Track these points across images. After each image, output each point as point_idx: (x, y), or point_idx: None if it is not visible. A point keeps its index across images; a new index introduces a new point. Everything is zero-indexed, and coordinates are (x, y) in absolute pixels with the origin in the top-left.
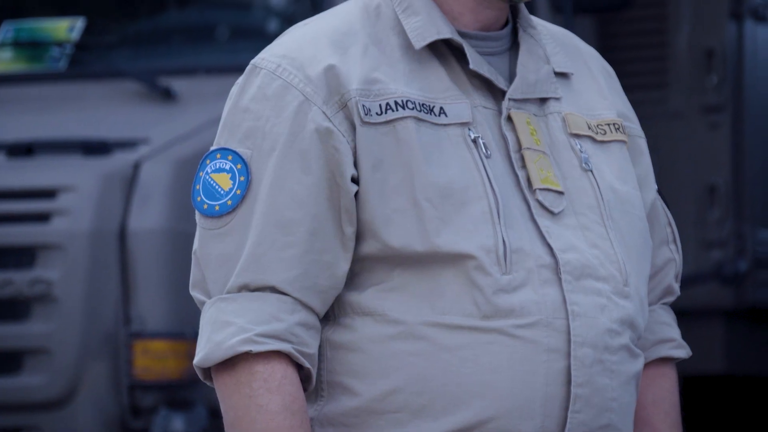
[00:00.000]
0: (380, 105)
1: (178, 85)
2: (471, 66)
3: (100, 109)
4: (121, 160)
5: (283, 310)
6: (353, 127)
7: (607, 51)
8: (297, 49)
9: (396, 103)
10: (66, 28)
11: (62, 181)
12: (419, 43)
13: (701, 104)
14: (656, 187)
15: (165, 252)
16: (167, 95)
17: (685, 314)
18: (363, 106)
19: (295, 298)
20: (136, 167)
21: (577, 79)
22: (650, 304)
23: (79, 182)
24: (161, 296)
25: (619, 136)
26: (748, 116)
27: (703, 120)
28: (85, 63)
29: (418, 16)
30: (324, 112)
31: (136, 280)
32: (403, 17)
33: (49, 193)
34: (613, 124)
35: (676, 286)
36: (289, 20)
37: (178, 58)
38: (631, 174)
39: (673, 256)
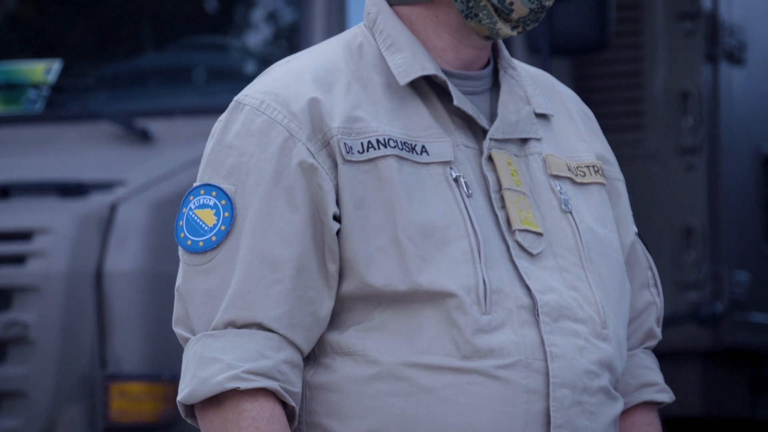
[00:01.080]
0: (362, 143)
1: (155, 126)
2: (455, 102)
3: (77, 151)
4: (97, 201)
5: (269, 347)
6: (335, 165)
7: (583, 93)
8: (281, 85)
9: (378, 141)
10: (43, 70)
11: (38, 223)
12: (403, 79)
13: (677, 146)
14: (635, 230)
15: (141, 294)
16: (144, 137)
17: (662, 356)
18: (345, 144)
19: (281, 336)
20: (113, 209)
21: (557, 120)
22: (632, 348)
23: (55, 224)
24: (137, 338)
25: (598, 179)
26: (724, 158)
27: (680, 162)
28: (61, 105)
29: (402, 53)
30: (308, 149)
31: (113, 322)
32: (387, 54)
33: (25, 235)
34: (593, 167)
35: (658, 330)
36: (266, 62)
37: (156, 100)
38: (609, 217)
39: (654, 299)
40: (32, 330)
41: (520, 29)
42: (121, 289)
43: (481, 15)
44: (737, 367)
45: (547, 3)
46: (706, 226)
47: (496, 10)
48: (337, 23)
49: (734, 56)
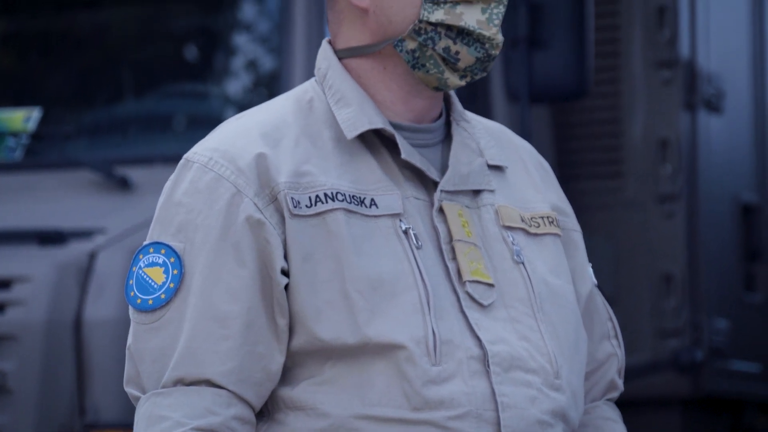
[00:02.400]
0: (310, 197)
1: (134, 174)
2: (403, 155)
3: (56, 198)
4: (76, 249)
5: (218, 403)
6: (283, 220)
7: (563, 140)
8: (228, 142)
9: (326, 195)
10: (22, 118)
11: (17, 271)
12: (351, 133)
13: (656, 193)
14: (595, 281)
15: (120, 342)
16: (124, 185)
17: (642, 403)
18: (292, 198)
19: (230, 392)
20: (92, 257)
21: (511, 172)
22: (594, 400)
23: (34, 272)
24: (116, 386)
25: (553, 230)
26: (703, 206)
27: (659, 209)
28: (41, 153)
29: (350, 108)
30: (255, 204)
31: (91, 370)
32: (336, 109)
33: (3, 284)
34: (547, 218)
35: (620, 382)
36: (245, 109)
37: (135, 148)
38: (564, 267)
39: (614, 350)
40: (11, 379)
41: (468, 78)
42: (100, 338)
43: (428, 65)
44: (717, 415)
45: (493, 52)
46: (686, 273)
47: (443, 59)
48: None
49: (712, 104)
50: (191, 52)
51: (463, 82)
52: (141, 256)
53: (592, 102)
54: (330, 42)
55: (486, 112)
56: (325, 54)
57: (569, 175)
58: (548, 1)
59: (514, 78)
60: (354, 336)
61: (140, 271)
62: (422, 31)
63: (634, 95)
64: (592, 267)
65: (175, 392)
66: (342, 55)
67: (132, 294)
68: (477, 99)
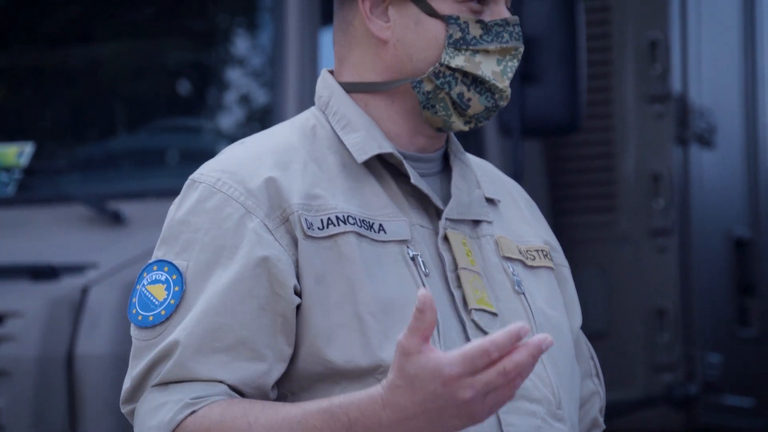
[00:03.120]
0: (322, 220)
1: (127, 209)
2: (412, 181)
3: (49, 233)
4: (69, 284)
5: (213, 387)
6: (295, 241)
7: (555, 174)
8: (236, 164)
9: (337, 218)
10: (15, 153)
11: (9, 306)
12: (361, 156)
13: (649, 228)
14: (581, 319)
15: (112, 377)
16: (116, 219)
17: None
18: (305, 220)
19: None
20: (84, 292)
21: (504, 206)
22: None
23: (26, 308)
24: (108, 422)
25: (547, 263)
26: (696, 240)
27: (651, 243)
28: (33, 188)
29: (358, 132)
30: (266, 225)
31: (83, 405)
32: (343, 134)
33: None
34: (541, 251)
35: (602, 420)
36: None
37: (128, 182)
38: (559, 300)
39: (597, 389)
40: (3, 414)
41: (472, 125)
42: (93, 373)
43: (438, 107)
44: None
45: (501, 103)
46: (679, 308)
47: (453, 104)
48: (310, 104)
49: (704, 139)
50: (184, 87)
51: (466, 128)
52: (145, 274)
53: (585, 136)
54: (330, 71)
55: (478, 146)
56: (326, 83)
57: (562, 209)
58: (540, 35)
59: (507, 112)
60: (367, 358)
61: (143, 289)
62: (441, 75)
63: (626, 129)
64: (585, 301)
65: (170, 386)
66: (350, 89)
67: (134, 311)
68: (469, 133)
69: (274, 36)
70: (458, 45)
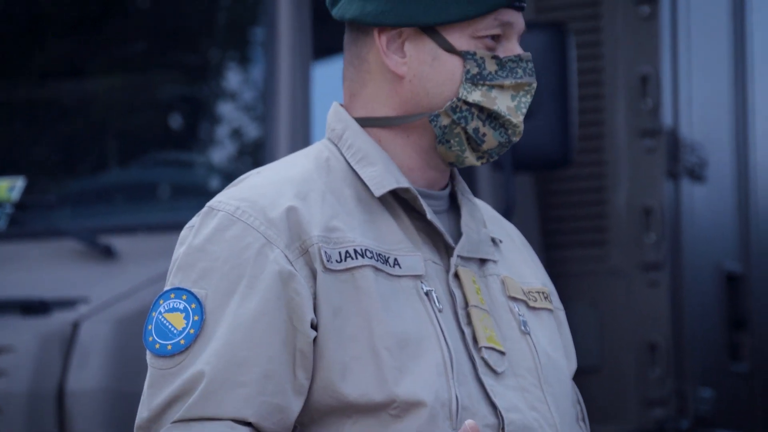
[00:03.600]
0: (340, 252)
1: (118, 243)
2: (428, 217)
3: (40, 268)
4: (60, 319)
5: (236, 428)
6: (313, 273)
7: (546, 209)
8: (256, 193)
9: (355, 251)
10: (6, 188)
11: (0, 341)
12: (379, 190)
13: (640, 262)
14: (576, 363)
15: (104, 413)
16: (108, 253)
17: None
18: (325, 252)
19: (251, 424)
20: (75, 327)
21: (505, 247)
22: None
23: (17, 343)
24: None
25: (547, 305)
26: (687, 274)
27: (643, 278)
28: (25, 223)
29: (375, 166)
30: (286, 256)
31: None
32: (359, 167)
33: None
34: (542, 293)
35: None
36: (230, 178)
37: (119, 217)
38: (559, 342)
39: None
40: None
41: (484, 160)
42: (84, 409)
43: (452, 141)
44: None
45: (514, 139)
46: (670, 342)
47: (468, 139)
48: (302, 140)
49: (695, 173)
50: (176, 121)
51: (479, 163)
52: (161, 302)
53: (576, 170)
54: (341, 105)
55: (470, 180)
56: (339, 116)
57: (554, 243)
58: None
59: None
60: (381, 393)
61: (160, 316)
62: (458, 109)
63: (617, 164)
64: (577, 336)
65: (194, 424)
66: (364, 123)
67: (150, 339)
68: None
69: (266, 70)
70: (475, 80)
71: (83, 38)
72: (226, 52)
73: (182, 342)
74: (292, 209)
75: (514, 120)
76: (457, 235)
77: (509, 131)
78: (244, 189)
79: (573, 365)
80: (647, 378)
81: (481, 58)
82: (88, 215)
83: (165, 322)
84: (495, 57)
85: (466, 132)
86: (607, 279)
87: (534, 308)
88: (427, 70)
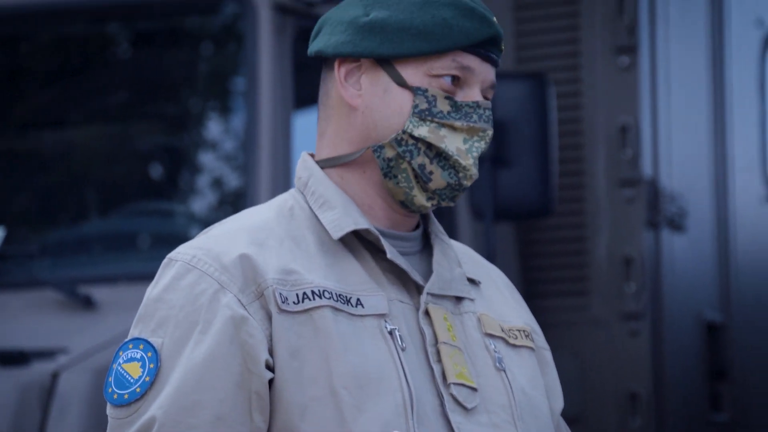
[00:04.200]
0: (297, 294)
1: (98, 293)
2: (389, 256)
3: (20, 318)
4: (39, 370)
5: None
6: (269, 316)
7: (527, 258)
8: (212, 242)
9: (313, 292)
10: None
11: None
12: (337, 233)
13: (621, 311)
14: (563, 402)
15: None
16: (88, 304)
17: None
18: (280, 294)
19: None
20: (55, 377)
21: (485, 288)
22: None
23: None
24: None
25: (529, 343)
26: (667, 324)
27: (623, 327)
28: (4, 273)
29: (335, 210)
30: (239, 300)
31: None
32: (320, 212)
33: None
34: (523, 331)
35: None
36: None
37: (100, 267)
38: (540, 381)
39: None
40: None
41: (435, 201)
42: None
43: (399, 177)
44: None
45: (465, 182)
46: (651, 392)
47: (416, 176)
48: (283, 189)
49: (675, 223)
50: (157, 171)
51: (428, 204)
52: (121, 353)
53: (557, 220)
54: (310, 154)
55: (451, 229)
56: (305, 164)
57: (534, 292)
58: (512, 119)
59: (479, 195)
60: None
61: (119, 367)
62: (403, 142)
63: (598, 213)
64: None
65: None
66: (324, 165)
67: (110, 390)
68: (442, 216)
69: (247, 120)
70: (423, 115)
71: (64, 88)
72: (207, 101)
73: (138, 390)
74: (246, 255)
75: (463, 162)
76: (430, 274)
77: (460, 174)
78: (202, 239)
79: (559, 404)
80: (628, 427)
81: (433, 95)
82: (68, 265)
83: (123, 372)
84: (449, 98)
85: (412, 167)
86: (588, 328)
87: (514, 345)
88: (377, 102)
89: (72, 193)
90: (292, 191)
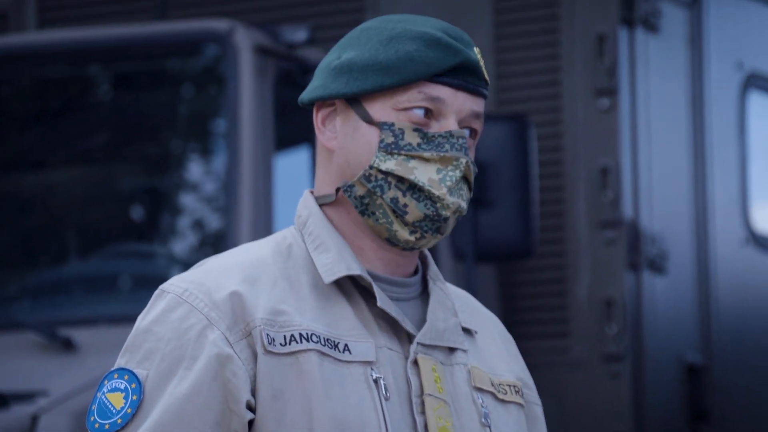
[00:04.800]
0: (285, 336)
1: (78, 335)
2: (379, 303)
3: None
4: (18, 412)
5: None
6: (255, 356)
7: (508, 300)
8: (205, 276)
9: (300, 335)
10: None
11: None
12: (329, 278)
13: (602, 353)
14: None
15: None
16: (68, 346)
17: None
18: (267, 335)
19: None
20: (34, 420)
21: (480, 338)
22: None
23: None
24: None
25: (518, 399)
26: (648, 366)
27: (604, 369)
28: None
29: (329, 253)
30: (227, 338)
31: None
32: (315, 254)
33: None
34: (513, 386)
35: None
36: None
37: (80, 309)
38: None
39: None
40: None
41: (418, 235)
42: None
43: (377, 213)
44: None
45: (444, 213)
46: None
47: (392, 210)
48: (264, 231)
49: (656, 265)
50: (137, 212)
51: (412, 238)
52: (106, 382)
53: (538, 261)
54: (311, 191)
55: None
56: (306, 202)
57: (515, 334)
58: (493, 161)
59: (460, 237)
60: None
61: (103, 396)
62: (372, 178)
63: (579, 255)
64: None
65: None
66: (319, 201)
67: (92, 419)
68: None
69: (228, 161)
70: (390, 149)
71: (45, 130)
72: (188, 143)
73: (119, 421)
74: (237, 293)
75: (437, 192)
76: (424, 322)
77: (437, 204)
78: (195, 273)
79: None
80: None
81: (400, 129)
82: (48, 307)
83: (106, 402)
84: (418, 130)
85: (385, 202)
86: (569, 370)
87: (503, 401)
88: (349, 141)
89: (52, 235)
90: (291, 229)
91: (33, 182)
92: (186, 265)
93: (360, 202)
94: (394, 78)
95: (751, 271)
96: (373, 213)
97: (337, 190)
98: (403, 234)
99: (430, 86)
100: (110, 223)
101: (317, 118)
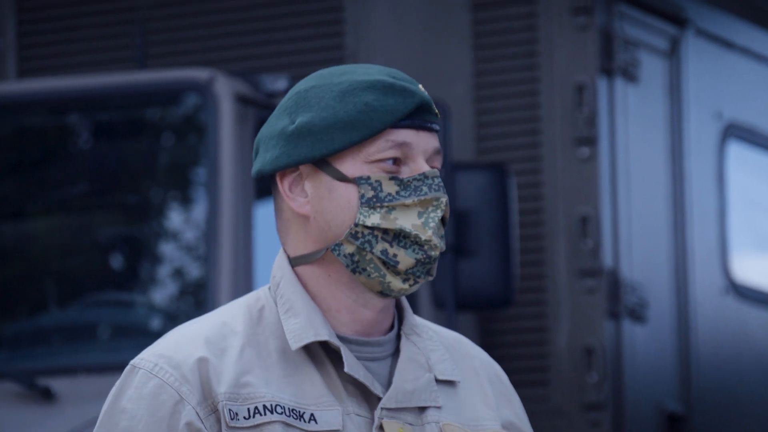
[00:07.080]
0: (248, 409)
1: (57, 384)
2: (346, 369)
3: None
4: None
5: None
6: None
7: (488, 348)
8: (175, 348)
9: (264, 407)
10: None
11: None
12: (296, 344)
13: (582, 402)
14: None
15: None
16: (47, 395)
17: None
18: (230, 410)
19: None
20: None
21: (463, 387)
22: None
23: None
24: None
25: None
26: (629, 414)
27: (584, 418)
28: None
29: (298, 318)
30: (198, 413)
31: None
32: (284, 319)
33: None
34: None
35: None
36: (172, 318)
37: (58, 358)
38: None
39: None
40: None
41: (411, 281)
42: None
43: (369, 269)
44: None
45: (432, 253)
46: None
47: (383, 263)
48: (244, 282)
49: (636, 313)
50: (116, 261)
51: (406, 286)
52: None
53: (518, 310)
54: (286, 251)
55: None
56: (280, 263)
57: None
58: (473, 209)
59: (441, 285)
60: None
61: None
62: (359, 235)
63: (559, 304)
64: None
65: None
66: (293, 263)
67: None
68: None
69: (208, 210)
70: (372, 203)
71: (24, 179)
72: (168, 192)
73: None
74: (203, 361)
75: (423, 236)
76: None
77: (425, 247)
78: (165, 344)
79: None
80: None
81: (377, 181)
82: (26, 357)
83: None
84: (394, 178)
85: (376, 256)
86: (549, 419)
87: None
88: (325, 203)
89: (31, 284)
90: (265, 289)
91: (12, 231)
92: (165, 314)
93: (350, 260)
94: (362, 132)
95: (730, 320)
96: (364, 269)
97: (326, 250)
98: (397, 284)
99: (395, 132)
100: (90, 272)
101: (283, 186)
